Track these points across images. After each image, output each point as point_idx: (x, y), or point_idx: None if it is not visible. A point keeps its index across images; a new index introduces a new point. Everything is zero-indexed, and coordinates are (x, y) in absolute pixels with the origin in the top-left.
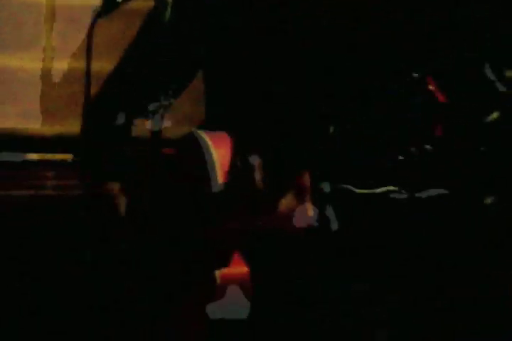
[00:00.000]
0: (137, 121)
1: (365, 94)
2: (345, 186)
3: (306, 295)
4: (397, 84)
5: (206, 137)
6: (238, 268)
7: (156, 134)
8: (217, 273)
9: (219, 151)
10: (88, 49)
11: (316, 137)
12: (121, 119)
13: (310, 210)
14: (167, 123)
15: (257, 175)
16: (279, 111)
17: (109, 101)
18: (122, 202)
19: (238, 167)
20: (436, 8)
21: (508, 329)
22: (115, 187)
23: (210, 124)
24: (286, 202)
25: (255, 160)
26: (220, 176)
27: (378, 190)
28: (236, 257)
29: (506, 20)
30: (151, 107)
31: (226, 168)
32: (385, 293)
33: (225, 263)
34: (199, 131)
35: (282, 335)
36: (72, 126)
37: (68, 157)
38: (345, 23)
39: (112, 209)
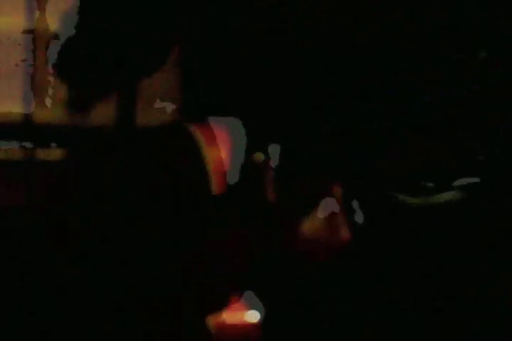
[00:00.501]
0: (101, 104)
1: (366, 93)
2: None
3: (306, 295)
4: (399, 83)
5: (196, 130)
6: (239, 312)
7: (125, 119)
8: (212, 319)
9: (213, 151)
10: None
11: (332, 138)
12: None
13: (345, 229)
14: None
15: (268, 184)
16: (281, 107)
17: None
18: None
19: (240, 172)
20: (435, 8)
21: (509, 329)
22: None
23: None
24: (311, 220)
25: (264, 163)
26: (214, 185)
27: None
28: (236, 297)
29: (506, 20)
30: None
31: (222, 174)
32: (384, 293)
33: (222, 304)
34: (185, 122)
35: (283, 336)
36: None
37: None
38: (345, 23)
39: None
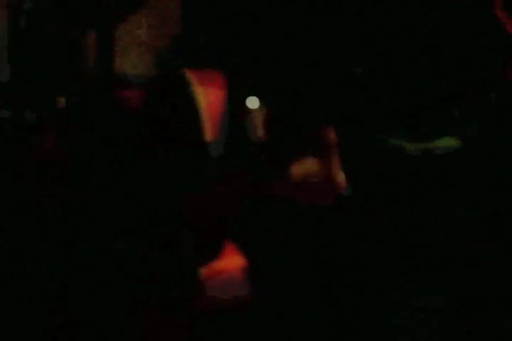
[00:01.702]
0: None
1: None
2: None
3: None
4: None
5: (189, 74)
6: (229, 259)
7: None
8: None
9: (207, 94)
10: None
11: (337, 78)
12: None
13: (338, 175)
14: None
15: (260, 128)
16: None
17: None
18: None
19: (234, 116)
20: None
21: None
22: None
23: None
24: (303, 163)
25: (257, 107)
26: (208, 129)
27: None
28: (228, 243)
29: None
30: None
31: (217, 118)
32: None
33: (213, 252)
34: (176, 67)
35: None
36: None
37: None
38: None
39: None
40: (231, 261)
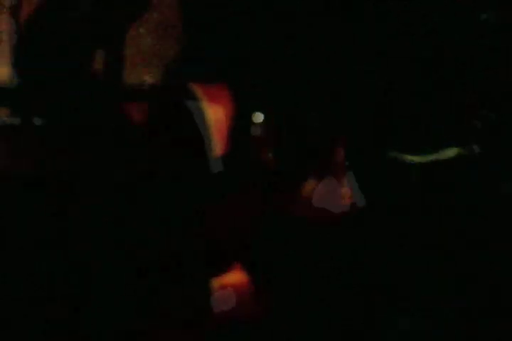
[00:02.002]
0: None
1: None
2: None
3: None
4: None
5: (197, 89)
6: (235, 275)
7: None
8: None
9: (215, 109)
10: None
11: (345, 93)
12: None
13: (346, 190)
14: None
15: (269, 143)
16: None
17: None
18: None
19: (242, 132)
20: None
21: None
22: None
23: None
24: (311, 179)
25: (265, 122)
26: (217, 145)
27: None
28: (233, 259)
29: None
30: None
31: (225, 133)
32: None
33: (222, 267)
34: (185, 82)
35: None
36: None
37: None
38: None
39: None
40: (240, 276)
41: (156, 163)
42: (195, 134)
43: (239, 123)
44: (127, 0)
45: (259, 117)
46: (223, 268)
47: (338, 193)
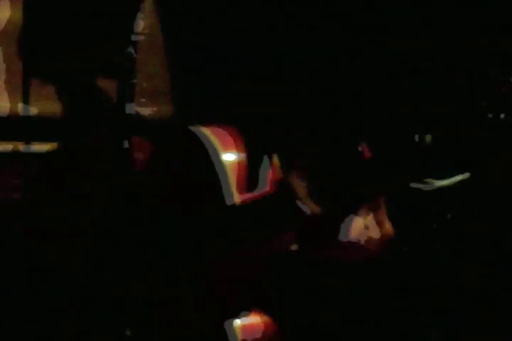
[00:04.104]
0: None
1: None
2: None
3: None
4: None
5: (209, 133)
6: (256, 318)
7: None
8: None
9: (230, 153)
10: None
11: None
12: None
13: (389, 226)
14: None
15: (299, 189)
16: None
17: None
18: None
19: (258, 175)
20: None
21: None
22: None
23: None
24: (359, 222)
25: (283, 164)
26: (235, 191)
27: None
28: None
29: None
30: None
31: (243, 179)
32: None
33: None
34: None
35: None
36: None
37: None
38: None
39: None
40: (259, 318)
41: (169, 209)
42: (213, 178)
43: (255, 167)
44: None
45: (276, 160)
46: (239, 311)
47: (377, 231)
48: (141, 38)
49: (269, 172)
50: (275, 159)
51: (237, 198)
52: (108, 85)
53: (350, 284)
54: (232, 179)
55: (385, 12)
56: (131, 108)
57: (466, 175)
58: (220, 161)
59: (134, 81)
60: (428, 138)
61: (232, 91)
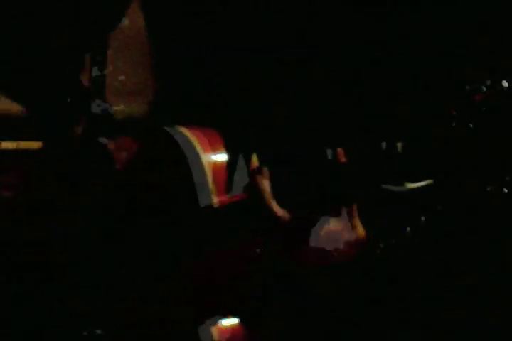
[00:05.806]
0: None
1: None
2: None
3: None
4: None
5: (189, 134)
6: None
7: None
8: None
9: (211, 155)
10: None
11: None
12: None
13: (361, 230)
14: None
15: (266, 192)
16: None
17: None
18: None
19: (238, 177)
20: None
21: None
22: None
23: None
24: (329, 226)
25: (262, 166)
26: (215, 193)
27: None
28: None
29: None
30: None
31: (223, 180)
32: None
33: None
34: (172, 125)
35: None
36: None
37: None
38: None
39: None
40: (236, 320)
41: (147, 207)
42: (190, 178)
43: (234, 168)
44: None
45: (255, 161)
46: (219, 312)
47: (349, 235)
48: (117, 36)
49: (247, 174)
50: (254, 161)
51: (215, 199)
52: (80, 83)
53: (329, 286)
54: (210, 180)
55: None
56: (103, 106)
57: (431, 181)
58: (199, 162)
59: (106, 79)
60: (399, 144)
61: (209, 91)
